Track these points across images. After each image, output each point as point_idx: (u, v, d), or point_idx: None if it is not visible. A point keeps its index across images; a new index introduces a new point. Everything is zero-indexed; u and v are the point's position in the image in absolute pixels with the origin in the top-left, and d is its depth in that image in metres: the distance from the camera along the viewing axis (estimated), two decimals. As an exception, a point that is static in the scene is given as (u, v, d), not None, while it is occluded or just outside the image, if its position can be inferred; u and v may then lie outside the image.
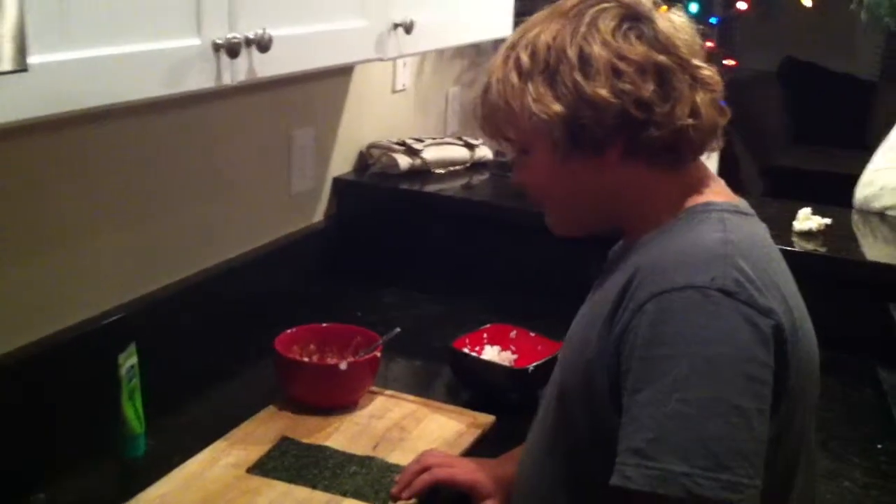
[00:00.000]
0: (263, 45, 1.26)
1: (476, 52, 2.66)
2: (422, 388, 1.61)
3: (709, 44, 1.12)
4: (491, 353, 1.62)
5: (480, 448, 1.42)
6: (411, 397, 1.54)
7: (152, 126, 1.57)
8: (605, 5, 1.02)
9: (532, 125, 1.01)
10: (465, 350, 1.60)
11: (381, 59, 1.66)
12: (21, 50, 0.83)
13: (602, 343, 0.98)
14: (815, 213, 1.95)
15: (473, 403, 1.54)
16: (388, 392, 1.55)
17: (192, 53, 1.18)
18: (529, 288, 1.96)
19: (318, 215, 2.09)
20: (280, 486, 1.28)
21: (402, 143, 2.23)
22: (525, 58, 1.02)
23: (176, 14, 1.15)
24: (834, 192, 2.26)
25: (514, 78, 1.02)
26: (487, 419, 1.48)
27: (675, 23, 1.03)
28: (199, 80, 1.19)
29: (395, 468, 1.33)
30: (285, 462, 1.33)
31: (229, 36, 1.21)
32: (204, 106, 1.67)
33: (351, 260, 2.09)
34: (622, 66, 0.98)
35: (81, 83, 1.02)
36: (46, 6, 0.96)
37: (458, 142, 2.34)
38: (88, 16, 1.02)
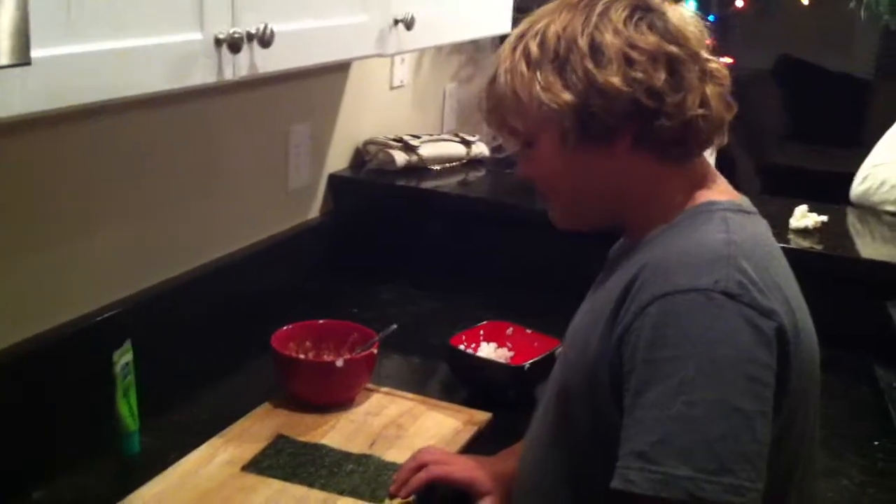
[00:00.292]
0: (265, 40, 1.26)
1: (474, 48, 2.65)
2: (418, 384, 1.61)
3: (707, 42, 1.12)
4: (487, 350, 1.62)
5: (477, 445, 1.41)
6: (408, 394, 1.54)
7: (148, 122, 1.57)
8: None
9: (541, 114, 1.01)
10: (462, 347, 1.59)
11: (381, 55, 1.66)
12: (24, 44, 0.82)
13: (604, 343, 0.98)
14: (811, 210, 1.95)
15: (470, 400, 1.53)
16: (385, 389, 1.54)
17: (195, 48, 1.17)
18: (526, 284, 1.96)
19: (315, 212, 2.09)
20: (276, 485, 1.27)
21: (399, 140, 2.22)
22: (534, 48, 1.01)
23: (178, 8, 1.15)
24: (829, 190, 2.27)
25: (522, 67, 1.02)
26: (484, 416, 1.48)
27: (685, 16, 1.03)
28: (201, 75, 1.19)
29: (391, 466, 1.32)
30: (281, 460, 1.33)
31: (231, 31, 1.21)
32: (200, 101, 1.66)
33: (347, 256, 2.08)
34: (634, 54, 0.98)
35: (84, 77, 1.02)
36: (50, 1, 0.96)
37: (454, 138, 2.34)
38: (92, 9, 1.02)
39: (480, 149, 2.36)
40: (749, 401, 0.89)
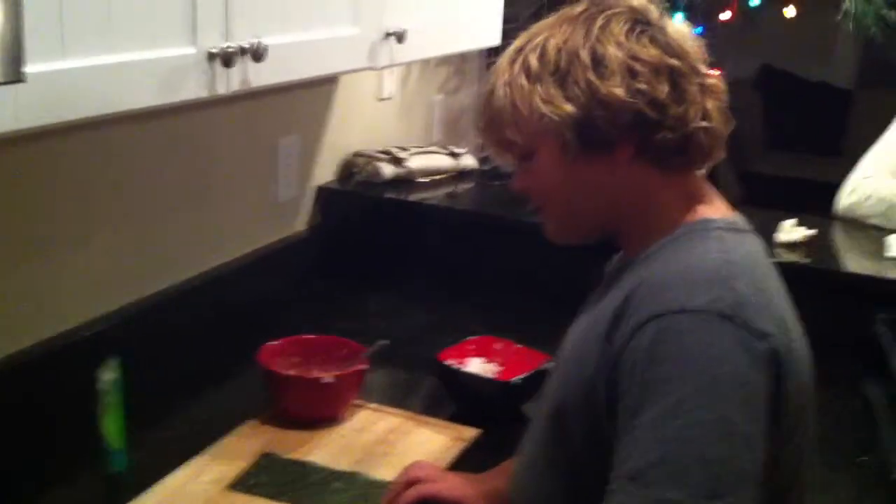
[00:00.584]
0: (258, 54, 1.26)
1: (461, 60, 2.65)
2: (407, 399, 1.60)
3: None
4: (476, 365, 1.61)
5: (466, 461, 1.41)
6: (396, 410, 1.53)
7: (136, 134, 1.56)
8: (616, 10, 1.01)
9: (542, 127, 1.00)
10: (450, 362, 1.59)
11: (372, 69, 1.66)
12: (17, 60, 0.82)
13: (600, 361, 0.97)
14: (799, 224, 1.95)
15: (459, 415, 1.52)
16: (373, 405, 1.53)
17: (188, 62, 1.17)
18: (515, 297, 1.96)
19: (303, 224, 2.08)
20: (262, 503, 1.26)
21: (387, 152, 2.22)
22: (534, 61, 1.01)
23: (172, 23, 1.14)
24: (810, 199, 2.28)
25: (522, 80, 1.01)
26: (472, 432, 1.47)
27: (683, 30, 1.04)
28: (194, 89, 1.19)
29: (379, 484, 1.31)
30: (267, 478, 1.32)
31: (224, 45, 1.21)
32: (189, 114, 1.65)
33: (335, 269, 2.07)
34: (637, 66, 0.98)
35: (77, 93, 1.02)
36: (43, 15, 0.95)
37: (442, 150, 2.34)
38: (84, 24, 1.01)
39: (468, 161, 2.36)
40: (746, 422, 0.89)
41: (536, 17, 1.09)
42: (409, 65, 2.41)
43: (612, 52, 0.98)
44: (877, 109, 2.71)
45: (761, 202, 2.31)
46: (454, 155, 2.33)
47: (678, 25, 1.04)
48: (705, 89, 1.02)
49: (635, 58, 0.98)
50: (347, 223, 2.13)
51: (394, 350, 1.61)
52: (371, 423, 1.48)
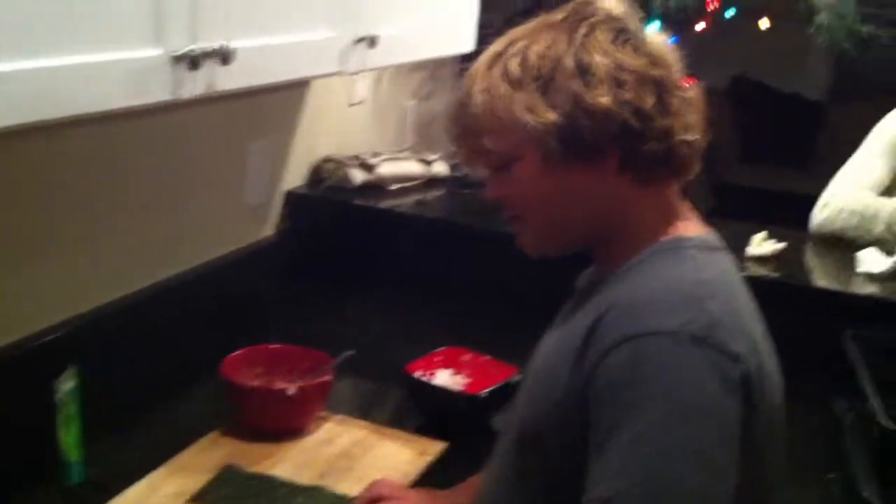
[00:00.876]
0: (226, 57, 1.23)
1: (435, 65, 2.63)
2: (373, 410, 1.58)
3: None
4: (443, 377, 1.59)
5: (431, 476, 1.38)
6: (361, 422, 1.51)
7: (101, 137, 1.52)
8: (599, 18, 1.00)
9: (525, 134, 0.98)
10: (418, 374, 1.57)
11: (342, 73, 1.64)
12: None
13: (571, 379, 0.96)
14: (770, 236, 1.95)
15: (426, 427, 1.51)
16: (338, 417, 1.51)
17: (153, 64, 1.14)
18: (485, 305, 1.94)
19: (271, 229, 2.05)
20: (223, 518, 1.24)
21: (357, 158, 2.19)
22: (514, 67, 0.98)
23: (137, 24, 1.12)
24: (782, 210, 2.28)
25: (502, 88, 0.98)
26: (438, 447, 1.45)
27: (662, 42, 1.02)
28: (159, 91, 1.16)
29: (342, 499, 1.29)
30: (229, 491, 1.29)
31: (191, 47, 1.18)
32: (157, 117, 1.61)
33: (303, 275, 2.04)
34: (623, 76, 0.96)
35: (40, 94, 0.99)
36: (5, 15, 0.93)
37: (414, 157, 2.32)
38: (48, 24, 0.99)
39: (440, 168, 2.34)
40: (718, 451, 0.88)
41: (510, 23, 1.07)
42: (381, 70, 2.39)
43: (599, 60, 0.96)
44: (848, 122, 2.72)
45: (734, 214, 2.31)
46: (426, 161, 2.31)
47: (656, 36, 1.03)
48: (687, 101, 1.00)
49: (621, 67, 0.96)
50: (316, 229, 2.10)
51: (361, 359, 1.59)
52: (336, 436, 1.46)
